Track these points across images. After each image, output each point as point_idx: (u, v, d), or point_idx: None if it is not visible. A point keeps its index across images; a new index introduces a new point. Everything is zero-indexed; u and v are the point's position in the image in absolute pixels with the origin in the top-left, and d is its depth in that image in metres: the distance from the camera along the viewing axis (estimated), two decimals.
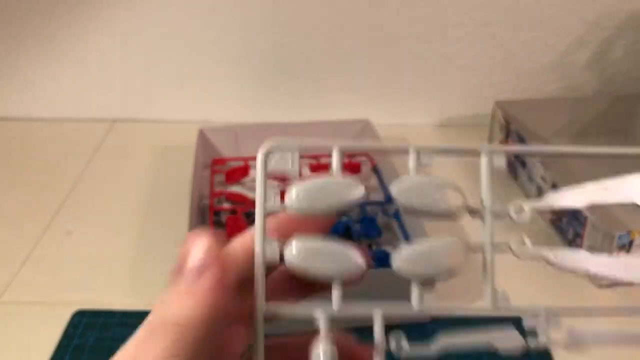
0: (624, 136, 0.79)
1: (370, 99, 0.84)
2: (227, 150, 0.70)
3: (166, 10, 0.78)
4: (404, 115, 0.84)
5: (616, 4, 0.79)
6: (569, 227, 0.58)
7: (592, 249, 0.54)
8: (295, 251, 0.21)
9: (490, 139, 0.78)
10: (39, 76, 0.84)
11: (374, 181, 0.67)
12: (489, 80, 0.83)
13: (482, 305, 0.22)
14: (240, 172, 0.68)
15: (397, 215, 0.59)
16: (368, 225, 0.58)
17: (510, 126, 0.72)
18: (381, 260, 0.53)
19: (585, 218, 0.55)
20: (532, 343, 0.22)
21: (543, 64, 0.83)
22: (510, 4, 0.79)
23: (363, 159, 0.69)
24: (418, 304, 0.21)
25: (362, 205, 0.60)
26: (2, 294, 0.54)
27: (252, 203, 0.60)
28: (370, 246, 0.57)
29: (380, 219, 0.60)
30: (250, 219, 0.58)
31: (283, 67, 0.82)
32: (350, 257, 0.21)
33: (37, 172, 0.73)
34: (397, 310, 0.22)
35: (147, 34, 0.80)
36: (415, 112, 0.85)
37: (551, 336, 0.21)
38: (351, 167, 0.68)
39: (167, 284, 0.21)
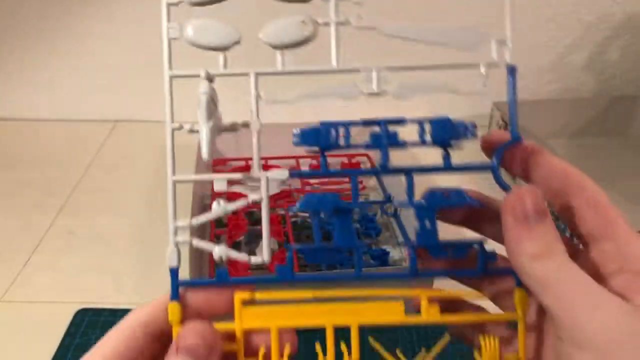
0: (621, 137, 0.80)
1: (370, 100, 0.84)
2: (227, 150, 0.71)
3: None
4: (403, 115, 0.84)
5: (614, 5, 0.80)
6: (566, 226, 0.59)
7: None
8: (191, 30, 0.30)
9: None
10: (41, 78, 0.84)
11: (373, 181, 0.67)
12: (488, 81, 0.83)
13: (330, 66, 0.30)
14: (241, 172, 0.68)
15: (396, 215, 0.59)
16: (367, 225, 0.59)
17: (508, 127, 0.72)
18: (380, 258, 0.54)
19: None
20: (367, 89, 0.31)
21: (541, 65, 0.84)
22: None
23: (363, 158, 0.70)
24: (281, 66, 0.30)
25: (362, 205, 0.60)
26: (5, 293, 0.54)
27: (253, 203, 0.60)
28: (370, 245, 0.57)
29: (380, 219, 0.60)
30: (251, 219, 0.59)
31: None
32: (231, 30, 0.30)
33: (40, 173, 0.73)
34: (268, 70, 0.30)
35: (148, 35, 0.81)
36: (415, 113, 0.85)
37: (382, 87, 0.31)
38: (350, 167, 0.68)
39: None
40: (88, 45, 0.82)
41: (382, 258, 0.54)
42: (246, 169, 0.68)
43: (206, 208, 0.61)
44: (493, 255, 0.29)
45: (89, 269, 0.57)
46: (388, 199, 0.61)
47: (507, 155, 0.30)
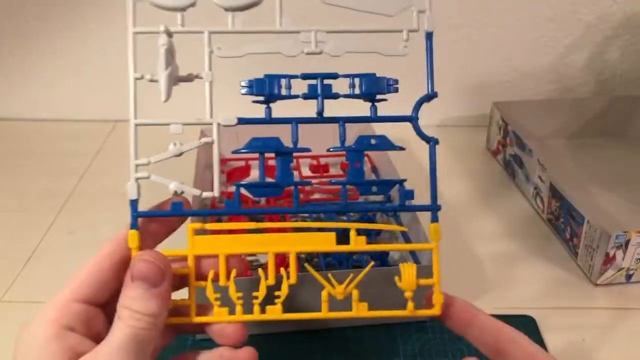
0: (621, 137, 0.80)
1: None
2: (228, 150, 0.71)
3: (167, 12, 0.79)
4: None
5: (614, 5, 0.80)
6: (566, 226, 0.59)
7: (589, 248, 0.55)
8: None
9: (489, 139, 0.79)
10: (41, 78, 0.85)
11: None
12: (488, 81, 0.84)
13: (274, 27, 0.34)
14: (242, 172, 0.68)
15: (396, 215, 0.59)
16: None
17: (508, 127, 0.73)
18: (380, 259, 0.54)
19: (583, 217, 0.55)
20: (307, 49, 0.34)
21: (541, 65, 0.84)
22: (509, 6, 0.80)
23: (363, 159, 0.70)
24: (232, 25, 0.34)
25: (362, 205, 0.60)
26: (4, 293, 0.54)
27: (253, 203, 0.61)
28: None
29: (380, 219, 0.60)
30: (251, 219, 0.59)
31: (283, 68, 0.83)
32: None
33: (40, 172, 0.73)
34: (220, 29, 0.34)
35: (148, 36, 0.81)
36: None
37: (323, 47, 0.34)
38: (348, 167, 0.68)
39: None
40: (88, 45, 0.82)
41: (382, 258, 0.54)
42: (246, 169, 0.68)
43: (206, 208, 0.61)
44: (411, 193, 0.34)
45: None
46: (387, 199, 0.61)
47: (448, 315, 0.33)
